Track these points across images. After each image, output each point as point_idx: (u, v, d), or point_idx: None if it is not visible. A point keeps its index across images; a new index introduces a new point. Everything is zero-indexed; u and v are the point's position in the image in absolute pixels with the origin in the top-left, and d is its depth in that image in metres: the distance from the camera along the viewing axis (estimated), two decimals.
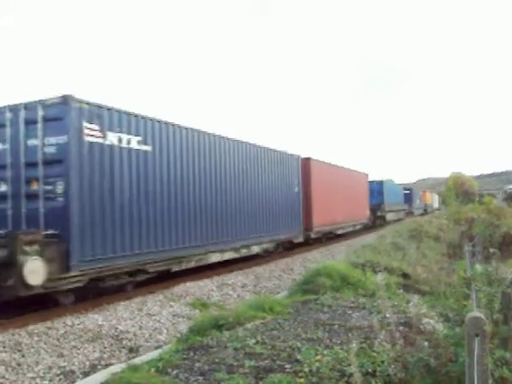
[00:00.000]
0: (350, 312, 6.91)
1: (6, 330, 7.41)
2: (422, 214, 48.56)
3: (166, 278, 11.99)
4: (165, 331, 7.99)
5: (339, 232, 24.63)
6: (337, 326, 6.16)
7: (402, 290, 8.60)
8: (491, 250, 8.89)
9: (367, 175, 31.45)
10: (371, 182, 32.89)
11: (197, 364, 4.96)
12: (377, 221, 33.56)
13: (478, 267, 6.12)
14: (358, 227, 28.79)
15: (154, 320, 8.51)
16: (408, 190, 49.40)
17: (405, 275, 10.54)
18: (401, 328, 5.42)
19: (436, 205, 71.90)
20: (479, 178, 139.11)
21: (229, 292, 11.21)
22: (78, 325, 7.90)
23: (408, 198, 46.95)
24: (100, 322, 8.06)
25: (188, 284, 11.29)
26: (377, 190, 33.77)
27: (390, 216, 36.32)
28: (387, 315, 5.84)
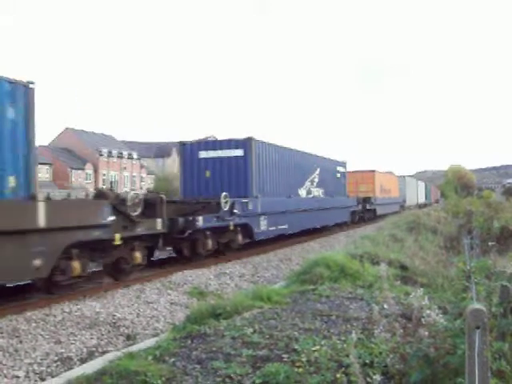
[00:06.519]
0: (348, 303, 6.91)
1: (3, 316, 7.40)
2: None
3: (164, 266, 11.98)
4: (162, 319, 7.99)
5: None
6: (334, 316, 6.16)
7: (399, 282, 8.59)
8: (490, 244, 8.87)
9: None
10: None
11: (194, 352, 4.96)
12: None
13: (482, 260, 6.10)
14: None
15: (152, 308, 8.51)
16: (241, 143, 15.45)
17: (402, 267, 10.55)
18: (399, 319, 5.41)
19: (421, 198, 53.78)
20: (478, 171, 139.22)
21: (226, 281, 11.22)
22: (75, 312, 7.90)
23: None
24: (98, 309, 8.06)
25: (186, 272, 11.30)
26: None
27: None
28: (385, 306, 5.83)
